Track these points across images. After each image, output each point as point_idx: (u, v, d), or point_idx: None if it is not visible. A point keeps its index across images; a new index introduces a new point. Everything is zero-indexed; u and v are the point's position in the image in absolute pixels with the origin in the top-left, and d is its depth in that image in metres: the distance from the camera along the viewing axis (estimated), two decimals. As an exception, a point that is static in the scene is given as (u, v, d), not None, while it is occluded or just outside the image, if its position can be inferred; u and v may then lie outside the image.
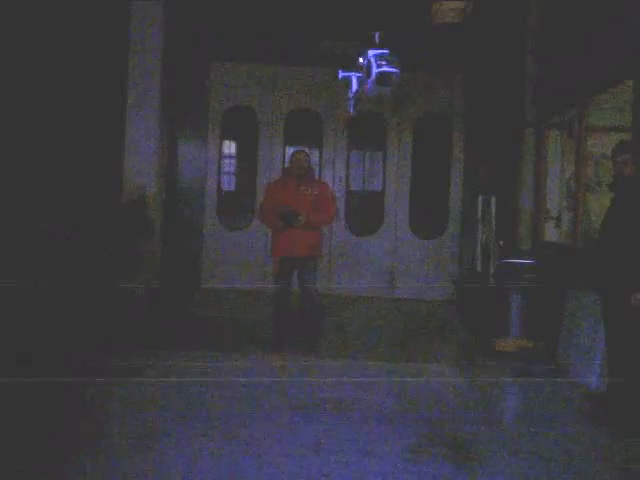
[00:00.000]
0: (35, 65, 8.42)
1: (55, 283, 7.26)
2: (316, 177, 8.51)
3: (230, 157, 11.33)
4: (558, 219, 8.90)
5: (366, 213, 10.98)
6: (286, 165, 9.66)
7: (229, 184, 11.38)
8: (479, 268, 8.89)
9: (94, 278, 7.89)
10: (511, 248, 8.72)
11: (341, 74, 8.42)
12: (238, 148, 11.28)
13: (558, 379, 6.86)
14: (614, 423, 5.39)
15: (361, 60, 7.94)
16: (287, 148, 10.58)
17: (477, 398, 6.35)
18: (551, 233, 8.99)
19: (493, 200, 9.02)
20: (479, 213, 9.10)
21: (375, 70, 7.65)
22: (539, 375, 6.92)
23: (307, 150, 8.54)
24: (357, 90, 8.39)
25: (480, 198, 9.14)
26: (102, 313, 7.68)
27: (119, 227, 8.50)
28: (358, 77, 8.27)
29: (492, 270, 8.57)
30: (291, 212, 7.50)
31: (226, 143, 11.02)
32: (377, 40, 7.88)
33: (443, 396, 6.22)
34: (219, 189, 10.82)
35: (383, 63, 7.62)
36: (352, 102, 8.64)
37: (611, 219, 5.64)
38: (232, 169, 11.46)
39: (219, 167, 10.83)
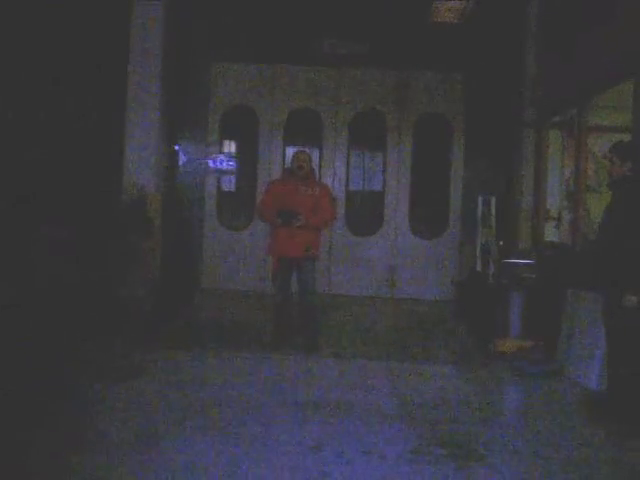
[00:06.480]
0: (35, 64, 8.41)
1: (55, 283, 7.27)
2: (317, 178, 8.50)
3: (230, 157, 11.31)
4: (558, 219, 8.91)
5: (366, 213, 10.97)
6: (287, 165, 9.65)
7: (229, 184, 11.37)
8: (479, 268, 8.89)
9: (94, 278, 7.89)
10: (511, 248, 8.72)
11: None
12: (238, 148, 11.27)
13: (558, 379, 6.87)
14: (614, 423, 5.39)
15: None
16: (287, 148, 10.58)
17: (477, 398, 6.35)
18: (551, 233, 8.99)
19: (493, 200, 9.03)
20: (479, 213, 9.10)
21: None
22: (539, 375, 6.91)
23: (308, 150, 8.55)
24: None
25: (480, 198, 9.14)
26: (102, 313, 7.67)
27: (119, 227, 8.50)
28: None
29: (492, 270, 8.56)
30: (290, 211, 7.51)
31: (226, 143, 11.01)
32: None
33: (443, 396, 6.21)
34: (219, 189, 10.81)
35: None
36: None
37: (606, 219, 5.69)
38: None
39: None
